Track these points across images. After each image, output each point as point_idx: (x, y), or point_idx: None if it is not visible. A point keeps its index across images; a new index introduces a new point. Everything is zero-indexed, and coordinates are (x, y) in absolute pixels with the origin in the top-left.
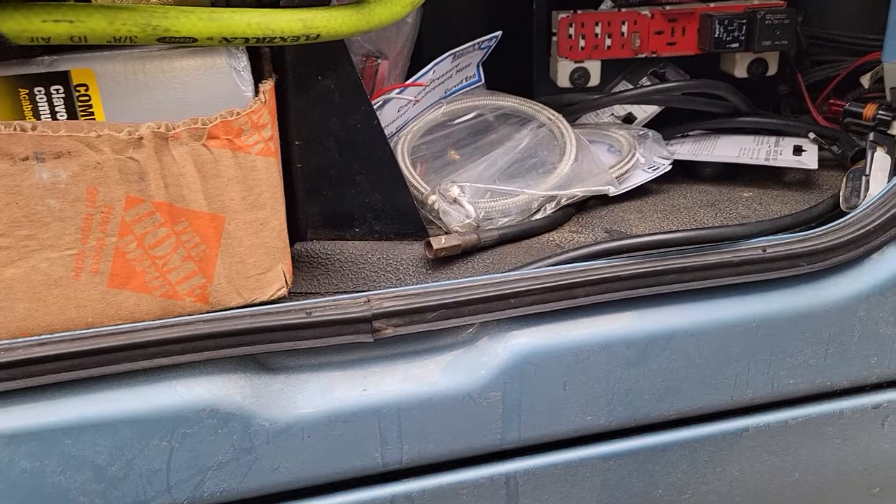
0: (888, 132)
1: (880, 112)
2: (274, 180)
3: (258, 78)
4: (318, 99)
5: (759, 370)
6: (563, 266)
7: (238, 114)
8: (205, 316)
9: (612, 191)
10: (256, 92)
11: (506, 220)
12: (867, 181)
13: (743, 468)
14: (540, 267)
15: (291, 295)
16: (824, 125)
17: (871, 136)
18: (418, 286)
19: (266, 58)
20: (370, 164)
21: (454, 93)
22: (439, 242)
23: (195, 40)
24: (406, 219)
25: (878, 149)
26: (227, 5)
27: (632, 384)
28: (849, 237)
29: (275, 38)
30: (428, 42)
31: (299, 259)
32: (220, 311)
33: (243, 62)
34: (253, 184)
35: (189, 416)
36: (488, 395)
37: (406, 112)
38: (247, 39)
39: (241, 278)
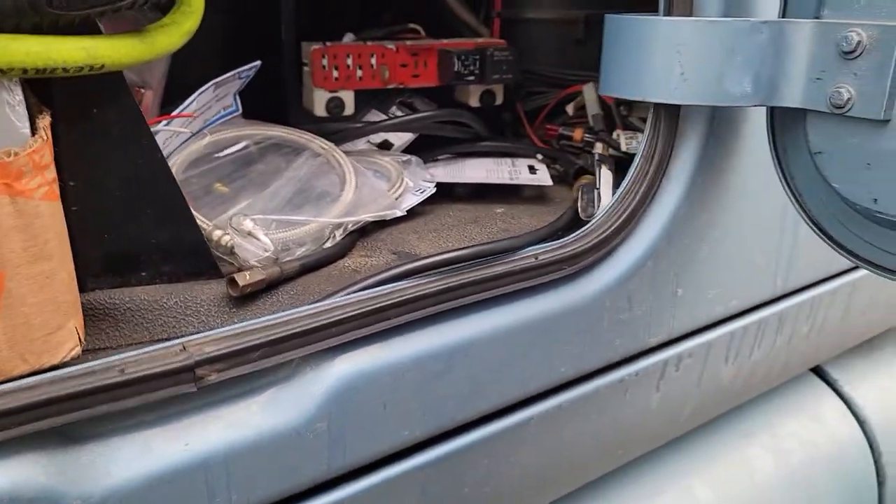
0: (593, 151)
1: (586, 135)
2: (60, 226)
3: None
4: (94, 133)
5: (538, 363)
6: (374, 290)
7: (16, 154)
8: None
9: (398, 214)
10: (33, 129)
11: (302, 249)
12: (598, 194)
13: (530, 453)
14: (352, 293)
15: (83, 354)
16: (542, 146)
17: (597, 156)
18: (235, 326)
19: (26, 89)
20: (155, 201)
21: (213, 123)
22: (244, 279)
23: None
24: (197, 257)
25: (603, 166)
26: None
27: (441, 393)
28: (594, 242)
29: (56, 68)
30: (173, 73)
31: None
32: (3, 382)
33: (18, 96)
34: (38, 232)
35: None
36: (314, 428)
37: (168, 144)
38: (25, 70)
39: (25, 341)
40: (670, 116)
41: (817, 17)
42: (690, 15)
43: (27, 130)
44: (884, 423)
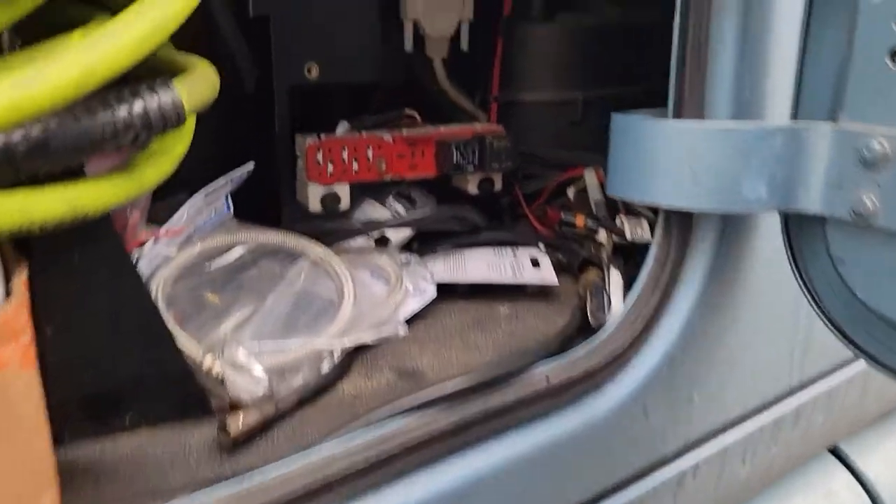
0: (597, 239)
1: (589, 220)
2: (37, 393)
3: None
4: (74, 277)
5: (551, 489)
6: (377, 430)
7: None
8: None
9: (402, 333)
10: (8, 288)
11: (298, 375)
12: (608, 298)
13: None
14: (354, 434)
15: None
16: (542, 230)
17: (605, 257)
18: (227, 490)
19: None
20: (140, 340)
21: (203, 227)
22: (237, 426)
23: None
24: (184, 394)
25: (612, 268)
26: None
27: None
28: (609, 357)
29: (35, 226)
30: None
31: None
32: None
33: None
34: (13, 402)
35: None
36: None
37: (155, 258)
38: None
39: None
40: (683, 222)
41: (833, 120)
42: (701, 118)
43: (1, 294)
44: (895, 498)
